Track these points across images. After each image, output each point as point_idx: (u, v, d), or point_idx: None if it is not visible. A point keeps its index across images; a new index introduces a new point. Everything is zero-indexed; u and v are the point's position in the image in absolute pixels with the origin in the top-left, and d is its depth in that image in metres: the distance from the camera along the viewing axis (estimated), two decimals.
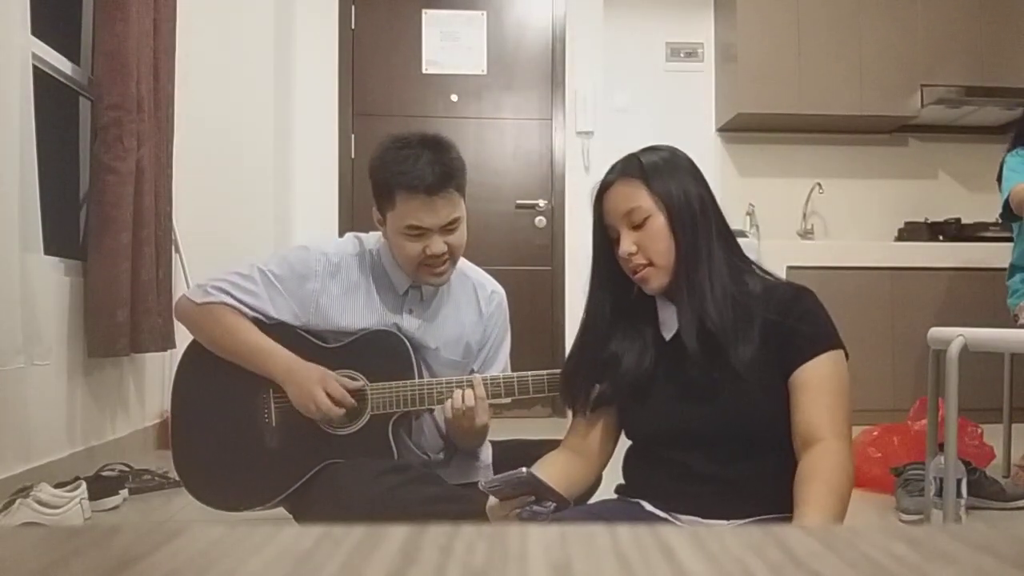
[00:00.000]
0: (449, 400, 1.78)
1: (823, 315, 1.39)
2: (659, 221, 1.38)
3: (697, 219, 1.39)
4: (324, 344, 1.88)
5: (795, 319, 1.35)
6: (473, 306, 1.97)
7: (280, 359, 1.83)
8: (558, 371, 1.72)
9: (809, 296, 1.41)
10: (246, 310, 1.86)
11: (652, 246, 1.38)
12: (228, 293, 1.86)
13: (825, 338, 1.36)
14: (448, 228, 1.78)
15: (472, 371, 1.96)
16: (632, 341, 1.44)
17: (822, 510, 1.19)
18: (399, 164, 1.74)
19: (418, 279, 1.87)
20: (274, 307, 1.86)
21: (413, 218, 1.75)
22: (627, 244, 1.39)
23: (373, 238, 1.95)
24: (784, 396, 1.34)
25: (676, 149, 1.45)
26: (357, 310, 1.88)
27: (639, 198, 1.38)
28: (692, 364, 1.37)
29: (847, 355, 1.37)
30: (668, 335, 1.44)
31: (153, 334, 2.98)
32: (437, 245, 1.77)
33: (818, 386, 1.32)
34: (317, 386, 1.78)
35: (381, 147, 1.82)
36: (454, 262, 1.85)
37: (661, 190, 1.38)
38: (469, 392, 1.77)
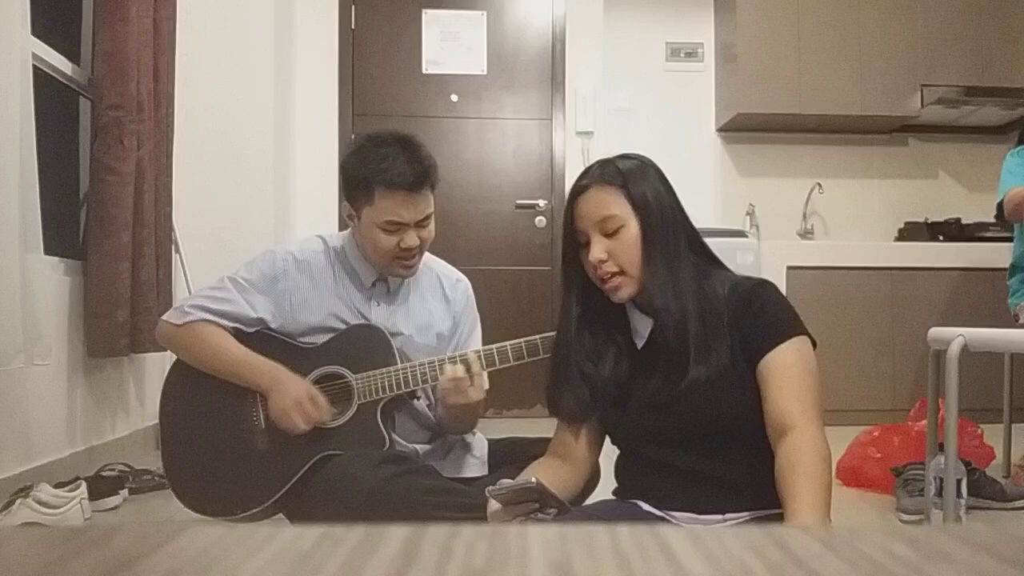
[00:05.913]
0: (444, 374, 1.81)
1: (783, 304, 1.41)
2: (633, 230, 1.39)
3: (669, 227, 1.41)
4: (304, 345, 1.91)
5: (756, 311, 1.38)
6: (439, 295, 2.02)
7: (266, 370, 1.86)
8: (535, 337, 1.80)
9: (768, 287, 1.43)
10: (226, 322, 1.89)
11: (624, 255, 1.39)
12: (205, 309, 1.89)
13: (785, 326, 1.38)
14: (422, 223, 1.86)
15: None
16: (605, 351, 1.47)
17: (810, 503, 1.21)
18: (379, 162, 1.81)
19: (387, 271, 1.92)
20: (252, 308, 1.90)
21: (393, 214, 1.81)
22: (598, 251, 1.39)
23: (336, 236, 2.01)
24: (757, 388, 1.36)
25: (645, 158, 1.47)
26: (328, 303, 1.92)
27: (615, 205, 1.39)
28: (666, 369, 1.39)
29: (815, 343, 1.39)
30: (640, 343, 1.46)
31: (153, 334, 2.97)
32: (411, 239, 1.84)
33: (783, 373, 1.33)
34: (294, 408, 1.81)
35: (356, 144, 1.91)
36: (422, 254, 1.92)
37: (638, 195, 1.40)
38: (460, 367, 1.80)
